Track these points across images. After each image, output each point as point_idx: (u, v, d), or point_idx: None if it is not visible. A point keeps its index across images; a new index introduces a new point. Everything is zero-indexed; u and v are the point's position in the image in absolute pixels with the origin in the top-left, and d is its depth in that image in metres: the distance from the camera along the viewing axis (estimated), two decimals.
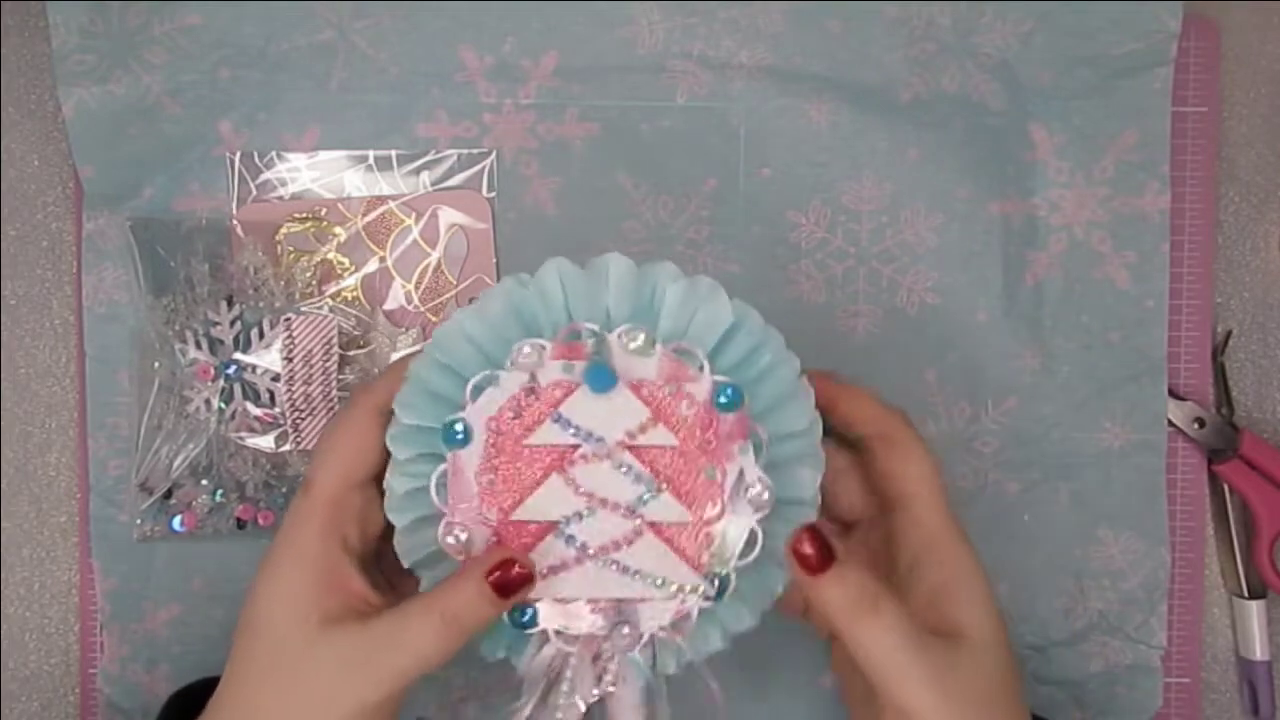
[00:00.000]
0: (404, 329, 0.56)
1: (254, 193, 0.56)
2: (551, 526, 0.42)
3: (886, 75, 0.56)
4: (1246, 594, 0.58)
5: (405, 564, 0.44)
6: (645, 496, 0.42)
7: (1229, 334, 0.58)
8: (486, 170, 0.56)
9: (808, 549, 0.41)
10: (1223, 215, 0.59)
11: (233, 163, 0.56)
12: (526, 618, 0.42)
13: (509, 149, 0.56)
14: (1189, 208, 0.57)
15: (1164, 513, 0.57)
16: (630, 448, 0.42)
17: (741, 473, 0.42)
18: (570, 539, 0.42)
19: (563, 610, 0.42)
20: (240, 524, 0.55)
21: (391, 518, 0.43)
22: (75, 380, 0.57)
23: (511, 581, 0.41)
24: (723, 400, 0.42)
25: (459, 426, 0.42)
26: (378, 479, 0.45)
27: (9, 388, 0.57)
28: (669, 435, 0.42)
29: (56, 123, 0.57)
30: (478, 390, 0.42)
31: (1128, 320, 0.57)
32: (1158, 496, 0.57)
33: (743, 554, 0.42)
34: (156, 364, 0.54)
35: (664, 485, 0.42)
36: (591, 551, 0.42)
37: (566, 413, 0.42)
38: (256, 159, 0.56)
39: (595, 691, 0.43)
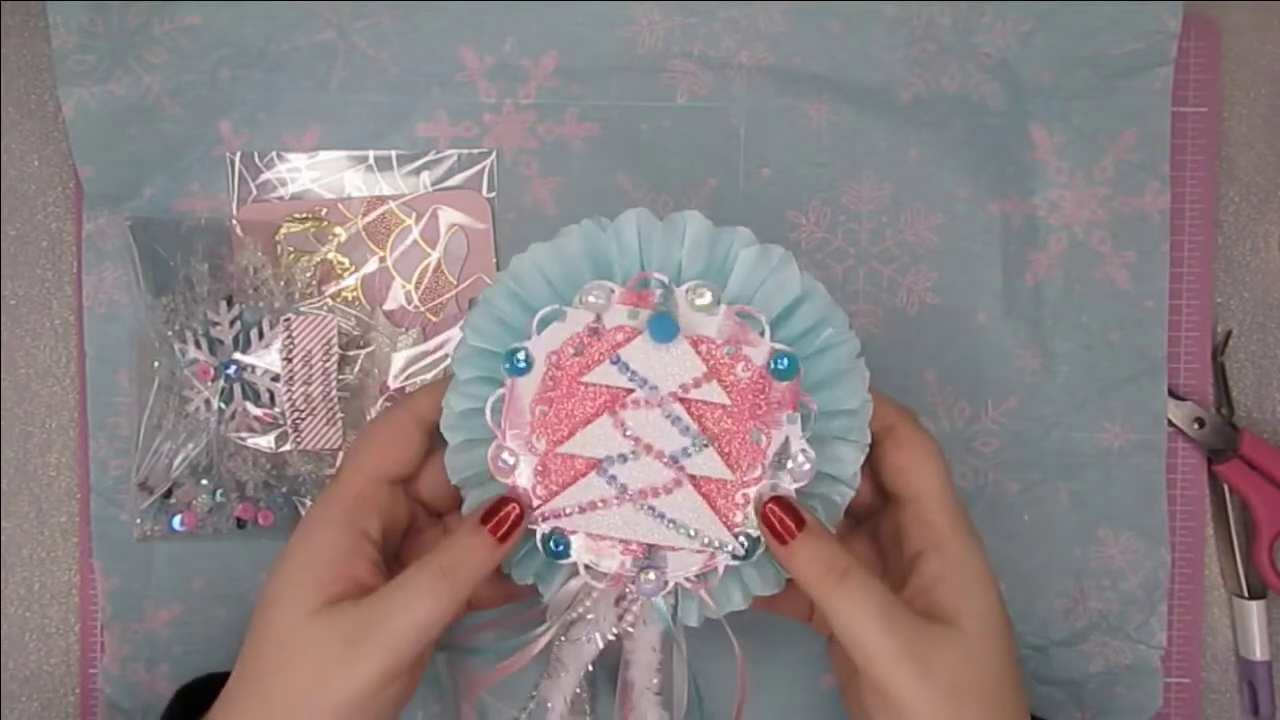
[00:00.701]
0: (404, 329, 0.56)
1: (254, 193, 0.56)
2: (595, 464, 0.43)
3: (886, 75, 0.56)
4: (1246, 594, 0.58)
5: (452, 480, 0.45)
6: (690, 449, 0.43)
7: (1229, 334, 0.58)
8: (486, 170, 0.56)
9: (775, 516, 0.42)
10: (1223, 215, 0.59)
11: (233, 163, 0.56)
12: (560, 548, 0.43)
13: (509, 149, 0.56)
14: (1189, 208, 0.57)
15: (1164, 513, 0.57)
16: (682, 400, 0.43)
17: (787, 441, 0.43)
18: (612, 479, 0.43)
19: (595, 547, 0.43)
20: (240, 524, 0.55)
21: (445, 434, 0.44)
22: (75, 380, 0.57)
23: (505, 523, 0.42)
24: (779, 368, 0.43)
25: (521, 354, 0.43)
26: (409, 484, 0.46)
27: (9, 388, 0.57)
28: (722, 394, 0.43)
29: (56, 123, 0.57)
30: (544, 323, 0.43)
31: (1128, 320, 0.57)
32: (1158, 496, 0.57)
33: None
34: (156, 364, 0.54)
35: (710, 441, 0.43)
36: (630, 494, 0.43)
37: (625, 357, 0.43)
38: (256, 159, 0.56)
39: (614, 631, 0.44)
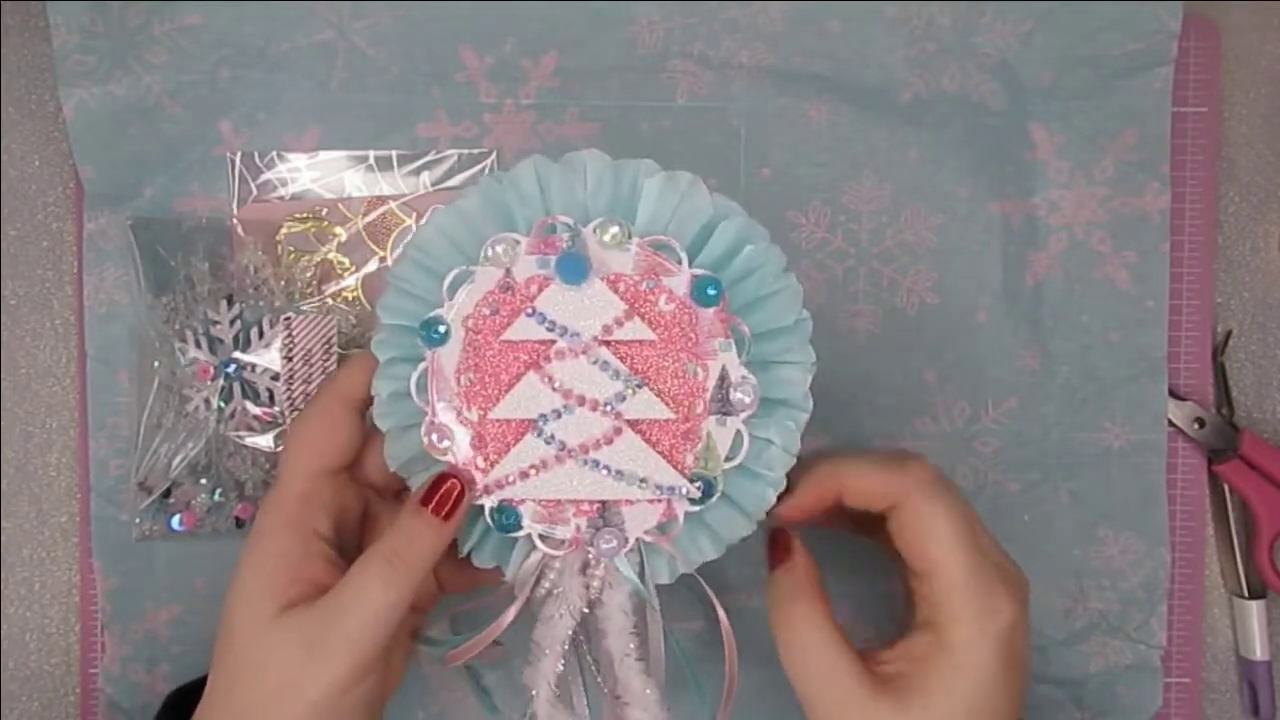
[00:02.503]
0: None
1: (254, 193, 0.56)
2: (530, 425, 0.42)
3: (886, 75, 0.56)
4: (1246, 594, 0.58)
5: (392, 468, 0.43)
6: (624, 393, 0.41)
7: (1229, 334, 0.58)
8: (487, 170, 0.56)
9: (772, 543, 0.43)
10: (1223, 215, 0.59)
11: (233, 163, 0.56)
12: (510, 520, 0.42)
13: (509, 149, 0.56)
14: (1189, 208, 0.57)
15: (1164, 513, 0.57)
16: (607, 343, 0.41)
17: (725, 370, 0.41)
18: (550, 438, 0.42)
19: (546, 514, 0.42)
20: (239, 523, 0.55)
21: (377, 421, 0.43)
22: (76, 380, 0.57)
23: (446, 501, 0.41)
24: (703, 294, 0.41)
25: (436, 324, 0.42)
26: (355, 469, 0.45)
27: (9, 388, 0.57)
28: (646, 330, 0.41)
29: (57, 123, 0.57)
30: (454, 287, 0.42)
31: (1128, 320, 0.57)
32: (1158, 496, 0.57)
33: (730, 456, 0.42)
34: (156, 363, 0.54)
35: (643, 381, 0.41)
36: (571, 450, 0.42)
37: (541, 307, 0.41)
38: (257, 159, 0.56)
39: (585, 607, 0.43)
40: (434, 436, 0.42)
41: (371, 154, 0.56)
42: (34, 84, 0.58)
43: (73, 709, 0.58)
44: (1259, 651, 0.58)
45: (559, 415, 0.42)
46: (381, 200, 0.56)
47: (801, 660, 0.42)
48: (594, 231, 0.41)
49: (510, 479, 0.42)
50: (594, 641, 0.44)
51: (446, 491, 0.41)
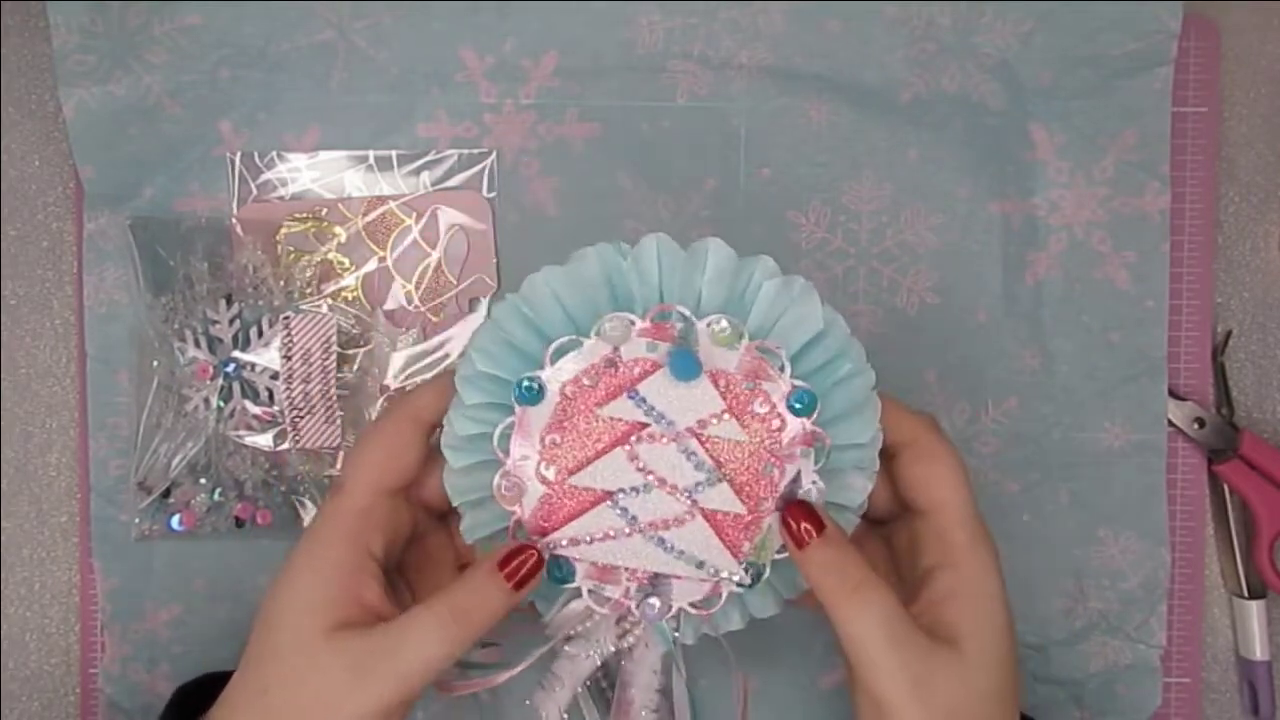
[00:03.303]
0: (404, 329, 0.56)
1: (254, 193, 0.56)
2: (605, 495, 0.42)
3: (886, 75, 0.56)
4: (1246, 594, 0.58)
5: (453, 502, 0.44)
6: (703, 484, 0.42)
7: (1229, 334, 0.58)
8: (487, 170, 0.56)
9: (795, 520, 0.41)
10: (1223, 215, 0.59)
11: (233, 163, 0.56)
12: (564, 573, 0.43)
13: (509, 149, 0.56)
14: (1189, 208, 0.57)
15: (1164, 513, 0.57)
16: (698, 435, 0.42)
17: (798, 474, 0.43)
18: (623, 510, 0.42)
19: (599, 573, 0.43)
20: (239, 523, 0.55)
21: (447, 454, 0.43)
22: (75, 380, 0.57)
23: (524, 573, 0.41)
24: (797, 405, 0.42)
25: (534, 383, 0.42)
26: (409, 489, 0.45)
27: (9, 388, 0.57)
28: (739, 430, 0.42)
29: (56, 123, 0.57)
30: (559, 352, 0.42)
31: (1128, 320, 0.57)
32: (1158, 496, 0.57)
33: (781, 548, 0.43)
34: (155, 363, 0.54)
35: (724, 476, 0.42)
36: (641, 526, 0.42)
37: (644, 392, 0.42)
38: (257, 159, 0.56)
39: (613, 648, 0.44)
40: (507, 485, 0.42)
41: (371, 154, 0.56)
42: (34, 84, 0.58)
43: (73, 709, 0.58)
44: (1259, 651, 0.58)
45: (637, 492, 0.42)
46: (381, 200, 0.56)
47: (863, 637, 0.41)
48: (708, 326, 0.42)
49: (577, 540, 0.43)
50: (615, 688, 0.45)
51: (524, 560, 0.41)
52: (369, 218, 0.56)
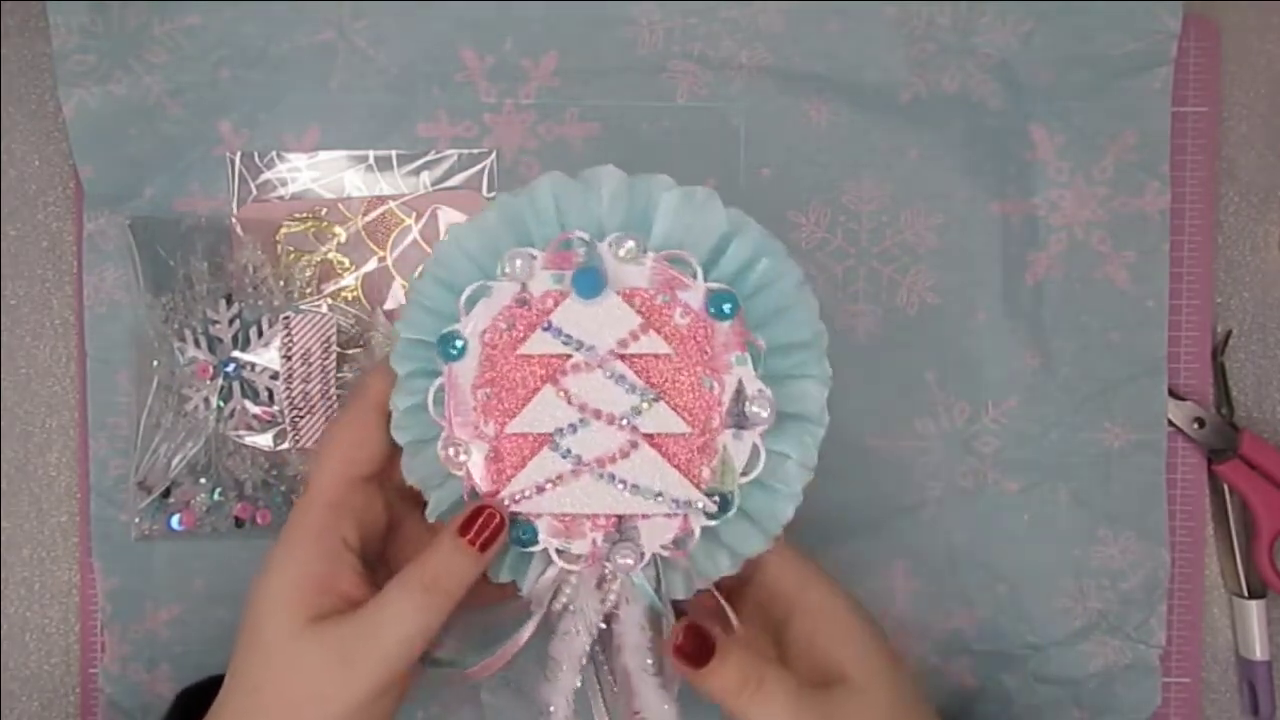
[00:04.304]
0: None
1: (254, 193, 0.56)
2: (546, 439, 0.42)
3: (886, 75, 0.56)
4: (1246, 594, 0.58)
5: (409, 482, 0.43)
6: (640, 406, 0.42)
7: (1229, 334, 0.58)
8: (486, 170, 0.56)
9: (687, 646, 0.41)
10: (1223, 215, 0.59)
11: (233, 163, 0.56)
12: (527, 535, 0.42)
13: (509, 149, 0.56)
14: (1189, 208, 0.57)
15: (1164, 513, 0.57)
16: (623, 357, 0.41)
17: (740, 385, 0.41)
18: (566, 451, 0.42)
19: (563, 528, 0.42)
20: (239, 523, 0.55)
21: (395, 435, 0.43)
22: (75, 380, 0.57)
23: (485, 534, 0.41)
24: (718, 308, 0.41)
25: (453, 338, 0.42)
26: (380, 481, 0.45)
27: (9, 388, 0.57)
28: (662, 343, 0.41)
29: (56, 123, 0.57)
30: (471, 302, 0.42)
31: (1128, 320, 0.57)
32: (1158, 496, 0.57)
33: (746, 471, 0.42)
34: (155, 362, 0.54)
35: (659, 395, 0.41)
36: (587, 463, 0.42)
37: (557, 321, 0.42)
38: (257, 159, 0.56)
39: (600, 622, 0.43)
40: (450, 450, 0.42)
41: (371, 154, 0.56)
42: (34, 84, 0.58)
43: (73, 709, 0.58)
44: (1259, 651, 0.58)
45: (575, 430, 0.42)
46: (381, 200, 0.56)
47: None
48: (610, 246, 0.41)
49: (527, 493, 0.42)
50: (611, 656, 0.44)
51: (485, 522, 0.41)
52: (369, 218, 0.56)
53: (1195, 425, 0.57)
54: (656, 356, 0.42)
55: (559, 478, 0.42)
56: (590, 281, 0.41)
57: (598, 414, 0.42)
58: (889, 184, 0.57)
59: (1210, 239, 0.58)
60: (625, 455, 0.42)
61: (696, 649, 0.41)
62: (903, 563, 0.57)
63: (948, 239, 0.57)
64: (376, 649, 0.41)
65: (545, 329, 0.42)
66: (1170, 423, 0.57)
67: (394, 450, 0.45)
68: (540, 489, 0.42)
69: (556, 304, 0.42)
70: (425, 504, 0.46)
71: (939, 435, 0.57)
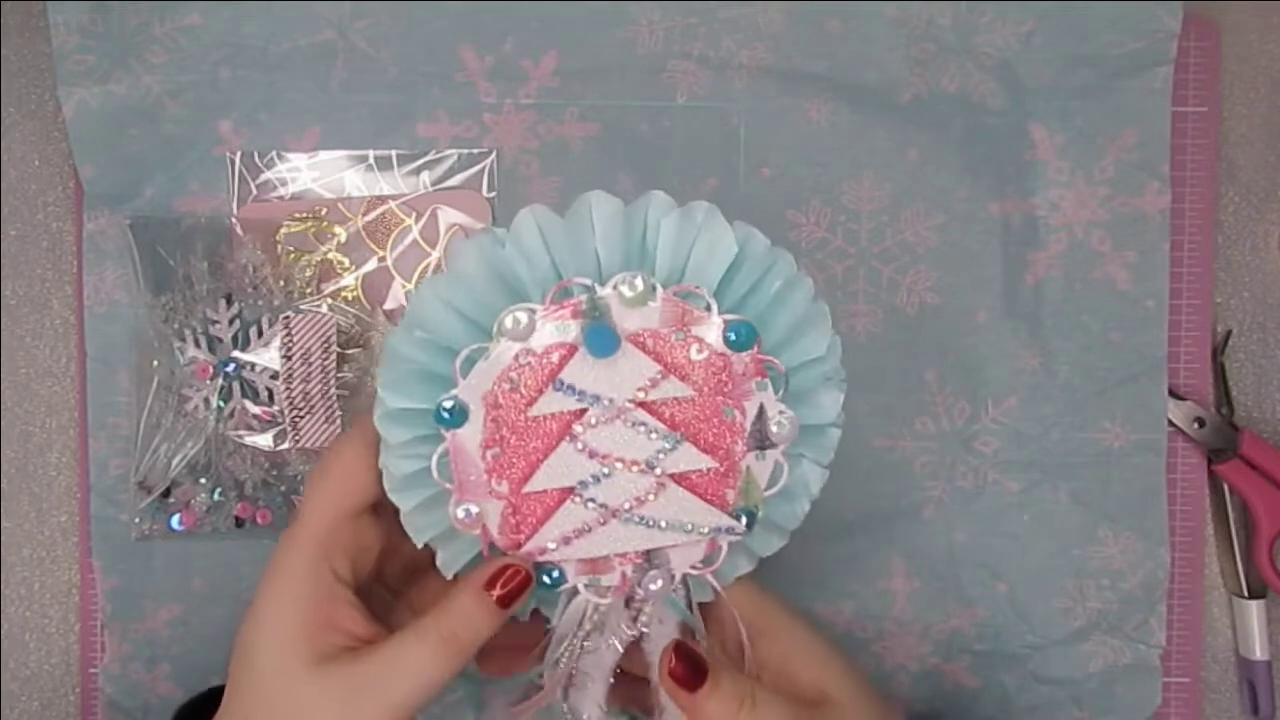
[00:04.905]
0: None
1: (254, 192, 0.56)
2: (567, 492, 0.40)
3: (886, 75, 0.56)
4: (1246, 594, 0.58)
5: (418, 543, 0.41)
6: (664, 450, 0.40)
7: (1229, 334, 0.58)
8: (486, 170, 0.56)
9: (680, 670, 0.40)
10: (1223, 215, 0.59)
11: (233, 163, 0.56)
12: (556, 576, 0.41)
13: (509, 149, 0.56)
14: (1189, 208, 0.57)
15: (1164, 513, 0.57)
16: (642, 404, 0.39)
17: (762, 408, 0.40)
18: (590, 501, 0.40)
19: (591, 565, 0.40)
20: (239, 522, 0.55)
21: (394, 498, 0.41)
22: (75, 380, 0.57)
23: (510, 592, 0.40)
24: (734, 339, 0.39)
25: (451, 406, 0.39)
26: (374, 507, 0.43)
27: (9, 388, 0.57)
28: (683, 387, 0.39)
29: (56, 123, 0.57)
30: (468, 365, 0.39)
31: (1128, 320, 0.57)
32: (1158, 496, 0.57)
33: (769, 485, 0.41)
34: (155, 362, 0.54)
35: (682, 435, 0.40)
36: (614, 511, 0.40)
37: (568, 378, 0.39)
38: (257, 159, 0.56)
39: (630, 633, 0.42)
40: (461, 513, 0.40)
41: (371, 154, 0.56)
42: (34, 84, 0.58)
43: (73, 709, 0.58)
44: (1259, 651, 0.58)
45: (598, 480, 0.40)
46: (381, 200, 0.56)
47: None
48: (614, 290, 0.38)
49: (553, 545, 0.40)
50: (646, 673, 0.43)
51: (509, 578, 0.40)
52: (369, 217, 0.56)
53: (1195, 425, 0.57)
54: (678, 400, 0.40)
55: (585, 527, 0.40)
56: (604, 341, 0.38)
57: (621, 462, 0.40)
58: (889, 184, 0.57)
59: (1210, 239, 0.58)
60: (655, 496, 0.40)
61: (690, 672, 0.40)
62: (903, 563, 0.57)
63: (948, 239, 0.57)
64: (387, 697, 0.39)
65: (556, 388, 0.39)
66: (1170, 423, 0.57)
67: None
68: (567, 540, 0.40)
69: (563, 357, 0.39)
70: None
71: (939, 435, 0.57)
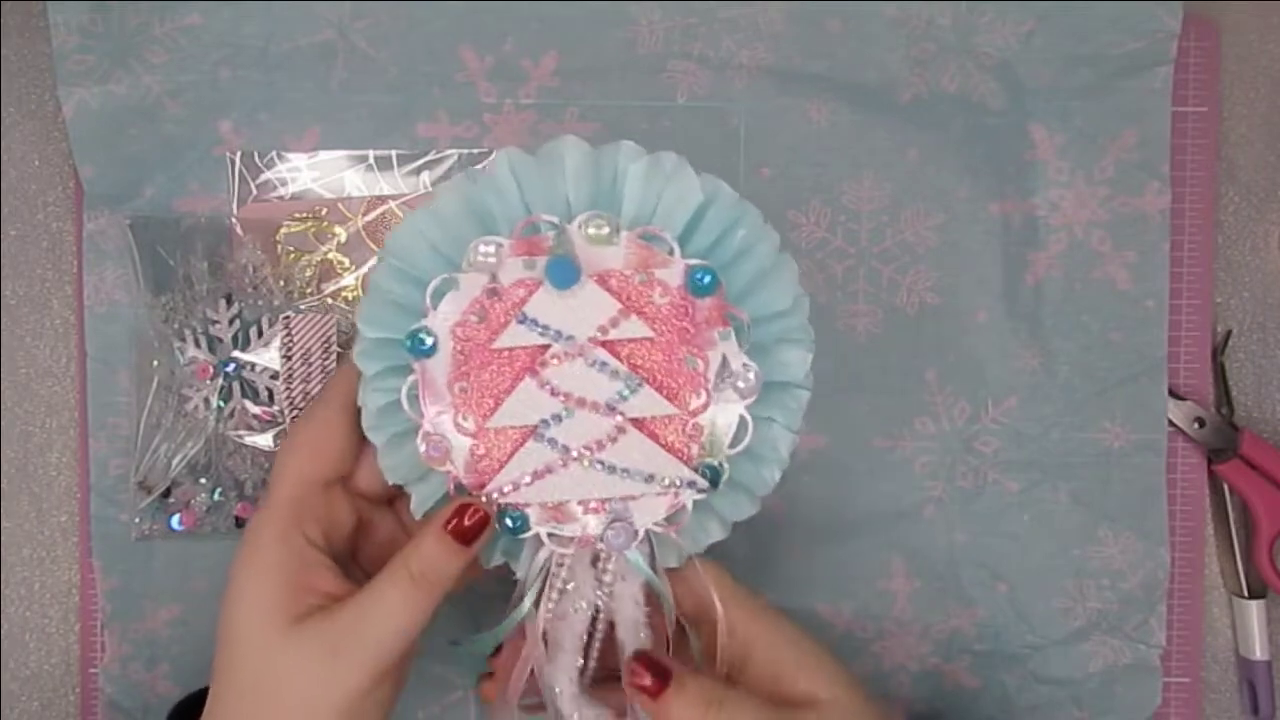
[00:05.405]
0: None
1: (254, 192, 0.56)
2: (531, 430, 0.41)
3: (886, 75, 0.56)
4: (1246, 594, 0.58)
5: (390, 482, 0.42)
6: (624, 392, 0.40)
7: (1229, 334, 0.58)
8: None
9: (643, 679, 0.40)
10: (1223, 215, 0.59)
11: (233, 162, 0.56)
12: (518, 523, 0.41)
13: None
14: (1189, 208, 0.57)
15: (1164, 513, 0.57)
16: (603, 343, 0.40)
17: (725, 359, 0.41)
18: (552, 441, 0.41)
19: (554, 513, 0.41)
20: (239, 522, 0.55)
21: (369, 435, 0.42)
22: (75, 380, 0.57)
23: (469, 529, 0.40)
24: (698, 284, 0.40)
25: (423, 336, 0.40)
26: (347, 479, 0.44)
27: (9, 388, 0.57)
28: (643, 327, 0.40)
29: (56, 123, 0.57)
30: (438, 295, 0.40)
31: (1128, 320, 0.57)
32: (1158, 496, 0.57)
33: (734, 442, 0.41)
34: (155, 362, 0.54)
35: (643, 379, 0.40)
36: (574, 453, 0.41)
37: (532, 312, 0.40)
38: (257, 159, 0.56)
39: (598, 594, 0.42)
40: (430, 447, 0.41)
41: (371, 154, 0.56)
42: (34, 84, 0.58)
43: (72, 709, 0.58)
44: (1259, 651, 0.58)
45: (560, 420, 0.41)
46: (381, 200, 0.56)
47: None
48: (580, 228, 0.40)
49: (515, 485, 0.41)
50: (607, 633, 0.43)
51: (469, 517, 0.41)
52: (369, 217, 0.56)
53: (1195, 425, 0.57)
54: (638, 340, 0.40)
55: (546, 468, 0.41)
56: (564, 272, 0.40)
57: (582, 402, 0.41)
58: (889, 184, 0.57)
59: (1210, 239, 0.58)
60: (614, 440, 0.41)
61: (652, 679, 0.40)
62: (903, 563, 0.57)
63: (948, 239, 0.57)
64: (367, 639, 0.40)
65: (520, 321, 0.40)
66: (1170, 423, 0.57)
67: (358, 452, 0.44)
68: (529, 480, 0.41)
69: (529, 292, 0.40)
70: (394, 504, 0.45)
71: (939, 435, 0.57)
